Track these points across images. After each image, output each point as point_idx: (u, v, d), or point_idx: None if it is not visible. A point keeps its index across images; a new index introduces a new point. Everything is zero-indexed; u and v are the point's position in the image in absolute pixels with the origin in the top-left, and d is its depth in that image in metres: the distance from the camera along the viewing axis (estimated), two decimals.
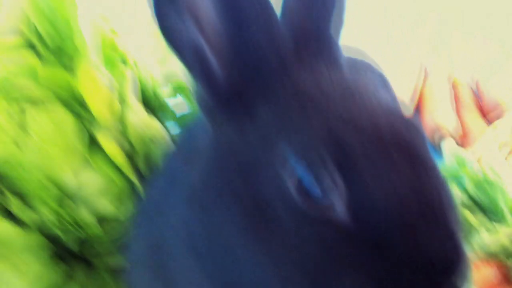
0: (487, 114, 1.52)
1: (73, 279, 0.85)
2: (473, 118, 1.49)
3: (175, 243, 0.57)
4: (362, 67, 0.55)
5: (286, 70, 0.52)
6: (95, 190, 0.81)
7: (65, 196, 0.80)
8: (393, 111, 0.50)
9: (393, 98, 0.52)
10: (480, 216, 1.08)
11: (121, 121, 0.84)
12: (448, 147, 1.36)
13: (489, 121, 1.45)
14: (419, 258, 0.44)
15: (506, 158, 1.36)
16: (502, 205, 1.05)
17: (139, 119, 0.84)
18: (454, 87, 1.62)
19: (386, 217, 0.44)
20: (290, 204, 0.46)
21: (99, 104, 0.80)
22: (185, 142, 0.70)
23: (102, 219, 0.83)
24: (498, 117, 1.47)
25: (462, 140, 1.43)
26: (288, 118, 0.49)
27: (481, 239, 1.00)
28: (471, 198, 1.10)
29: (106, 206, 0.82)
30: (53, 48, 0.81)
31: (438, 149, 1.41)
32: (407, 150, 0.47)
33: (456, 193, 1.09)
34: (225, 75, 0.52)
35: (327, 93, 0.49)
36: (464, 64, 1.51)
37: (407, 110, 0.52)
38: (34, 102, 0.79)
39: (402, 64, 1.65)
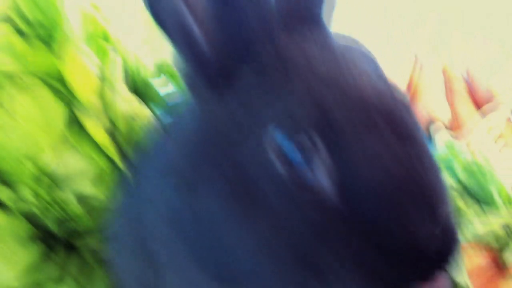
0: (481, 106, 1.51)
1: (52, 260, 0.83)
2: (466, 109, 1.47)
3: (154, 218, 0.56)
4: (352, 49, 0.53)
5: (270, 36, 0.50)
6: (76, 169, 0.79)
7: (44, 176, 0.78)
8: (382, 85, 0.48)
9: (384, 79, 0.49)
10: (472, 203, 1.07)
11: (103, 99, 0.82)
12: (441, 136, 1.35)
13: (483, 113, 1.44)
14: (408, 242, 0.43)
15: (500, 150, 1.35)
16: (494, 192, 1.04)
17: (122, 98, 0.83)
18: (447, 78, 1.61)
19: (370, 189, 0.43)
20: (272, 173, 0.45)
21: (80, 81, 0.78)
22: (167, 117, 0.68)
23: (83, 199, 0.81)
24: (492, 109, 1.45)
25: (455, 131, 1.41)
26: (271, 86, 0.47)
27: (472, 226, 0.99)
28: (462, 186, 1.09)
29: (87, 186, 0.80)
30: (36, 27, 0.79)
31: (430, 139, 1.39)
32: (396, 125, 0.45)
33: (448, 181, 1.08)
34: (210, 48, 0.50)
35: (314, 62, 0.47)
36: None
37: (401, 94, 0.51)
38: (13, 80, 0.77)
39: (396, 55, 1.63)
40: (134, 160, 0.71)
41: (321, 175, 0.43)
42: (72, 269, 0.85)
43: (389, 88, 0.48)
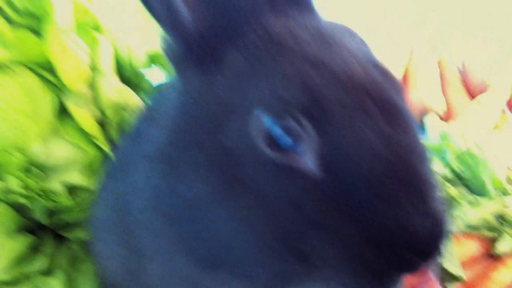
0: (474, 94, 1.50)
1: (41, 252, 0.82)
2: (458, 97, 1.47)
3: (139, 204, 0.55)
4: (342, 32, 0.52)
5: (258, 16, 0.49)
6: (65, 159, 0.79)
7: (33, 166, 0.77)
8: (373, 68, 0.48)
9: (375, 62, 0.49)
10: (463, 190, 1.07)
11: (93, 88, 0.81)
12: (435, 126, 1.34)
13: (477, 103, 1.43)
14: (397, 224, 0.42)
15: (490, 134, 1.35)
16: (485, 178, 1.04)
17: (112, 87, 0.82)
18: (440, 66, 1.61)
19: (359, 172, 0.42)
20: (258, 156, 0.44)
21: (69, 70, 0.77)
22: (154, 103, 0.67)
23: (72, 189, 0.80)
24: (486, 99, 1.45)
25: (447, 118, 1.41)
26: (257, 64, 0.47)
27: (463, 213, 0.99)
28: (454, 172, 1.09)
29: (76, 175, 0.80)
30: (23, 12, 0.78)
31: (422, 125, 1.39)
32: (386, 108, 0.45)
33: (439, 167, 1.07)
34: (194, 21, 0.49)
35: (302, 43, 0.47)
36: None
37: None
38: (1, 68, 0.76)
39: (392, 47, 1.63)
40: (121, 146, 0.70)
41: (308, 157, 0.43)
42: (61, 261, 0.84)
43: (380, 71, 0.48)
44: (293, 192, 0.43)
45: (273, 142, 0.44)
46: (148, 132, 0.57)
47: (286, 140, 0.43)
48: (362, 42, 0.53)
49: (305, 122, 0.43)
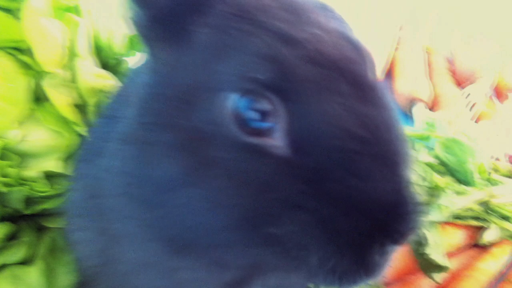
0: (462, 82, 1.50)
1: (20, 240, 0.80)
2: (446, 85, 1.47)
3: (112, 188, 0.53)
4: (315, 5, 0.50)
5: None
6: (42, 144, 0.77)
7: (11, 153, 0.75)
8: (344, 40, 0.46)
9: (351, 39, 0.47)
10: (449, 178, 1.06)
11: (71, 71, 0.79)
12: (419, 110, 1.34)
13: (464, 91, 1.43)
14: (361, 198, 0.41)
15: (477, 122, 1.35)
16: (471, 167, 1.03)
17: (90, 70, 0.80)
18: (428, 54, 1.60)
19: (330, 150, 0.41)
20: (229, 137, 0.43)
21: (46, 52, 0.75)
22: (128, 83, 0.66)
23: (50, 176, 0.78)
24: (473, 86, 1.45)
25: (435, 106, 1.41)
26: (227, 40, 0.45)
27: (449, 202, 0.98)
28: (440, 160, 1.08)
29: (55, 162, 0.77)
30: None
31: (409, 114, 1.38)
32: (355, 79, 0.43)
33: (425, 156, 1.07)
34: None
35: (271, 13, 0.45)
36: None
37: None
38: None
39: (379, 34, 1.62)
40: (94, 128, 0.68)
41: (279, 137, 0.42)
42: (41, 250, 0.82)
43: (353, 48, 0.46)
44: (264, 173, 0.42)
45: (243, 122, 0.42)
46: (121, 113, 0.55)
47: (257, 120, 0.42)
48: (339, 19, 0.52)
49: (275, 100, 0.42)
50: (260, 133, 0.42)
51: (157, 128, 0.47)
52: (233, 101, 0.42)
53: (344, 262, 0.42)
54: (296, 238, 0.42)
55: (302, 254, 0.43)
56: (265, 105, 0.42)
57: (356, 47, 0.46)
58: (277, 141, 0.42)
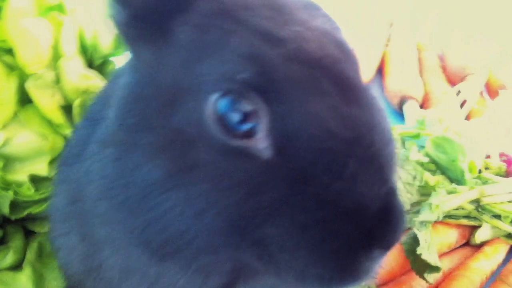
0: (453, 80, 1.49)
1: (8, 246, 0.79)
2: (437, 82, 1.46)
3: (93, 192, 0.52)
4: (299, 3, 0.49)
5: None
6: (27, 147, 0.75)
7: None
8: (328, 39, 0.45)
9: (336, 38, 0.46)
10: (440, 176, 1.06)
11: (57, 74, 0.77)
12: (410, 108, 1.33)
13: (456, 89, 1.43)
14: (347, 202, 0.40)
15: (468, 119, 1.34)
16: (462, 165, 1.02)
17: (76, 70, 0.78)
18: (419, 51, 1.59)
19: (313, 152, 0.40)
20: (211, 139, 0.42)
21: (29, 53, 0.73)
22: (110, 83, 0.64)
23: (37, 180, 0.77)
24: (465, 84, 1.45)
25: (426, 103, 1.40)
26: (208, 38, 0.43)
27: (442, 201, 0.97)
28: (431, 158, 1.07)
29: (41, 166, 0.76)
30: None
31: (400, 111, 1.38)
32: (339, 79, 0.42)
33: (416, 154, 1.06)
34: None
35: (253, 11, 0.44)
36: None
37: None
38: None
39: (370, 31, 1.62)
40: (76, 130, 0.66)
41: (262, 138, 0.41)
42: (30, 255, 0.81)
43: (338, 47, 0.45)
44: (248, 176, 0.41)
45: (225, 123, 0.41)
46: (102, 115, 0.53)
47: (239, 120, 0.41)
48: (325, 16, 0.50)
49: (257, 100, 0.40)
50: (242, 134, 0.41)
51: (138, 130, 0.45)
52: (214, 101, 0.41)
53: (328, 268, 0.41)
54: (280, 243, 0.41)
55: (286, 259, 0.42)
56: (247, 106, 0.41)
57: (340, 46, 0.45)
58: (259, 142, 0.41)
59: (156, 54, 0.46)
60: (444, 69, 1.54)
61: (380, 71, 1.52)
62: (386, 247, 0.42)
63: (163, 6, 0.46)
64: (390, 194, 0.41)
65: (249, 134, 0.41)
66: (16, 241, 0.81)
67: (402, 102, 1.37)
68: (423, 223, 0.94)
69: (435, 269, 0.91)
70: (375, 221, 0.40)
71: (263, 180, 0.41)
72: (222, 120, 0.41)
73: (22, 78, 0.74)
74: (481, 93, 1.45)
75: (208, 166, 0.42)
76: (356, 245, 0.41)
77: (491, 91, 1.46)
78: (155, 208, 0.44)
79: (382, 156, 0.42)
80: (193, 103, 0.42)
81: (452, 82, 1.49)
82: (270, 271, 0.44)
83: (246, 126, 0.41)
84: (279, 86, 0.40)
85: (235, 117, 0.41)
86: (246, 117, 0.41)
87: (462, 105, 1.35)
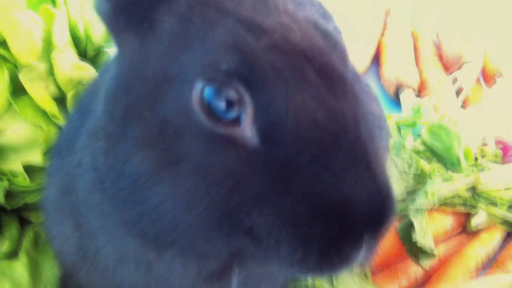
0: (449, 67, 1.49)
1: (4, 235, 0.80)
2: (433, 70, 1.46)
3: (85, 184, 0.52)
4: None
5: None
6: (21, 137, 0.76)
7: None
8: (314, 29, 0.45)
9: (322, 23, 0.46)
10: (436, 164, 1.06)
11: (50, 66, 0.78)
12: (406, 96, 1.33)
13: (452, 76, 1.42)
14: (334, 192, 0.40)
15: (464, 107, 1.34)
16: (458, 152, 1.02)
17: (68, 62, 0.78)
18: (414, 39, 1.59)
19: (297, 142, 0.40)
20: (198, 128, 0.42)
21: (21, 45, 0.74)
22: (100, 75, 0.64)
23: (31, 170, 0.77)
24: (461, 71, 1.44)
25: (422, 92, 1.40)
26: (192, 28, 0.43)
27: (437, 188, 0.97)
28: (426, 146, 1.07)
29: (33, 154, 0.76)
30: None
31: (396, 100, 1.38)
32: (325, 69, 0.42)
33: (412, 142, 1.06)
34: None
35: (239, 6, 0.44)
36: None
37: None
38: None
39: (365, 19, 1.61)
40: (67, 121, 0.67)
41: (247, 127, 0.41)
42: (26, 244, 0.81)
43: (325, 37, 0.45)
44: (234, 165, 0.41)
45: (210, 111, 0.41)
46: (92, 107, 0.54)
47: (223, 109, 0.41)
48: (316, 5, 0.51)
49: (241, 89, 0.40)
50: (227, 123, 0.41)
51: (126, 123, 0.46)
52: (199, 90, 0.41)
53: (313, 254, 0.41)
54: (267, 230, 0.41)
55: (272, 246, 0.42)
56: (231, 94, 0.41)
57: (326, 37, 0.45)
58: (245, 131, 0.41)
59: (141, 45, 0.46)
60: (440, 57, 1.54)
61: (376, 60, 1.52)
62: (375, 234, 0.42)
63: None
64: (377, 188, 0.41)
65: (235, 122, 0.41)
66: (12, 230, 0.81)
67: (398, 90, 1.37)
68: (419, 210, 0.94)
69: (431, 255, 0.91)
70: (363, 209, 0.40)
71: (249, 169, 0.41)
72: (208, 108, 0.41)
73: (15, 69, 0.75)
74: (477, 81, 1.44)
75: (195, 156, 0.42)
76: (342, 233, 0.41)
77: (487, 78, 1.45)
78: (146, 201, 0.44)
79: (366, 148, 0.41)
80: (179, 92, 0.42)
81: (448, 69, 1.48)
82: (263, 257, 0.44)
83: (232, 114, 0.41)
84: (262, 76, 0.40)
85: (220, 105, 0.41)
86: (231, 105, 0.41)
87: (458, 93, 1.35)
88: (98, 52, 0.88)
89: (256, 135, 0.41)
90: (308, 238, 0.40)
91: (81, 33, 0.85)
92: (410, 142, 1.04)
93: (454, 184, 1.00)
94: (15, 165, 0.77)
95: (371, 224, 0.41)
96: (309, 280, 0.81)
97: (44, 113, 0.76)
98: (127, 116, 0.45)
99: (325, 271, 0.42)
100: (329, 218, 0.40)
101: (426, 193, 0.96)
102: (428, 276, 0.98)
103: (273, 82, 0.40)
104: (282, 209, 0.40)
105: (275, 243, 0.41)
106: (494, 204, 1.06)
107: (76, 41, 0.85)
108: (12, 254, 0.80)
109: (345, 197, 0.40)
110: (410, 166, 1.00)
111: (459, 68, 1.42)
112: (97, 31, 0.88)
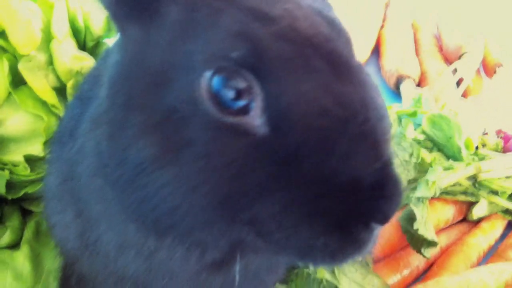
0: (449, 58, 1.49)
1: (5, 225, 0.80)
2: (433, 61, 1.46)
3: (86, 170, 0.52)
4: None
5: None
6: (21, 128, 0.76)
7: None
8: (320, 16, 0.45)
9: (325, 10, 0.46)
10: (437, 153, 1.06)
11: (50, 56, 0.78)
12: (406, 87, 1.33)
13: (452, 67, 1.42)
14: (343, 177, 0.40)
15: (464, 97, 1.34)
16: (459, 142, 1.02)
17: (67, 52, 0.78)
18: (415, 30, 1.59)
19: (305, 129, 0.40)
20: (204, 116, 0.41)
21: (21, 35, 0.74)
22: (101, 62, 0.64)
23: (32, 160, 0.77)
24: (461, 62, 1.44)
25: (422, 82, 1.40)
26: (195, 16, 0.43)
27: (438, 178, 0.97)
28: (427, 136, 1.07)
29: (34, 145, 0.77)
30: None
31: (397, 91, 1.37)
32: (331, 56, 0.42)
33: (413, 132, 1.06)
34: None
35: None
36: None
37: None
38: None
39: (366, 11, 1.61)
40: (68, 109, 0.66)
41: (255, 115, 0.41)
42: (27, 234, 0.82)
43: (329, 24, 0.45)
44: (243, 153, 0.41)
45: (219, 100, 0.41)
46: (93, 94, 0.54)
47: (232, 98, 0.41)
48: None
49: (249, 78, 0.40)
50: (236, 111, 0.41)
51: (129, 109, 0.45)
52: (207, 79, 0.41)
53: (333, 239, 0.41)
54: (277, 219, 0.41)
55: (285, 236, 0.42)
56: (239, 83, 0.40)
57: (332, 24, 0.45)
58: (254, 120, 0.41)
59: (145, 33, 0.46)
60: (440, 48, 1.53)
61: (376, 51, 1.52)
62: (384, 219, 0.42)
63: None
64: (386, 168, 0.41)
65: (244, 111, 0.40)
66: (13, 221, 0.82)
67: (398, 81, 1.37)
68: (420, 199, 0.94)
69: (432, 244, 0.91)
70: (371, 194, 0.40)
71: (258, 157, 0.41)
72: (216, 97, 0.41)
73: (15, 60, 0.75)
74: (478, 71, 1.44)
75: (201, 143, 0.41)
76: (355, 218, 0.41)
77: (487, 69, 1.45)
78: (147, 185, 0.44)
79: (377, 131, 0.42)
80: (185, 81, 0.42)
81: (448, 61, 1.48)
82: (270, 248, 0.44)
83: (240, 103, 0.40)
84: (271, 64, 0.40)
85: (229, 94, 0.40)
86: (240, 94, 0.40)
87: (458, 84, 1.35)
88: (97, 43, 0.88)
89: (265, 123, 0.40)
90: (327, 225, 0.41)
91: (80, 24, 0.85)
92: (411, 132, 1.04)
93: (455, 173, 1.00)
94: (15, 155, 0.77)
95: (382, 207, 0.41)
96: (311, 269, 0.81)
97: (44, 103, 0.76)
98: (129, 103, 0.45)
99: (345, 256, 0.42)
100: (343, 203, 0.40)
101: (427, 182, 0.96)
102: (429, 265, 0.98)
103: (282, 70, 0.40)
104: (293, 197, 0.40)
105: (283, 233, 0.41)
106: (495, 193, 1.06)
107: (75, 32, 0.85)
108: (14, 245, 0.81)
109: (356, 181, 0.40)
110: (411, 155, 1.00)
111: (459, 58, 1.42)
112: (96, 22, 0.87)
